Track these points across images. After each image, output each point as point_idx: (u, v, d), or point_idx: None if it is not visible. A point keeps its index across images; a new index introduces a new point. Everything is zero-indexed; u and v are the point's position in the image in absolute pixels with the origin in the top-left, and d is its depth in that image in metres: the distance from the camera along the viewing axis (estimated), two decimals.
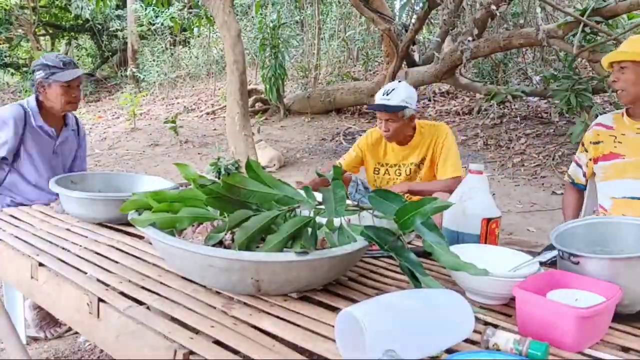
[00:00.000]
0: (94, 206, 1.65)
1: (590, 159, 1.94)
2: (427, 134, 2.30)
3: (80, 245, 1.46)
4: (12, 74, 13.28)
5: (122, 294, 1.14)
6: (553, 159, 5.12)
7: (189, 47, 12.36)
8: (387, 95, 2.20)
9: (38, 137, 2.22)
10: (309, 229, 1.13)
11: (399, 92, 2.19)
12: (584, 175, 2.00)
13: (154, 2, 7.26)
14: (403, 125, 2.23)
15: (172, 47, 11.52)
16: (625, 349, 0.99)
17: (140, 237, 1.55)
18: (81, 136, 2.45)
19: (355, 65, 10.09)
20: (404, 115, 2.19)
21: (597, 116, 2.12)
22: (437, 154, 2.27)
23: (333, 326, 0.90)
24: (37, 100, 2.22)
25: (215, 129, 7.67)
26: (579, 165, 2.01)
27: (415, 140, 2.31)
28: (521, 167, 5.12)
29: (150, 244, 1.43)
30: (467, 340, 0.95)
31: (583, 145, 1.98)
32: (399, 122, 2.21)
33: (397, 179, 2.34)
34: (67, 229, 1.64)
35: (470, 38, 5.27)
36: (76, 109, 2.29)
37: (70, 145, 2.37)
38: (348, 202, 1.17)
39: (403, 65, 6.68)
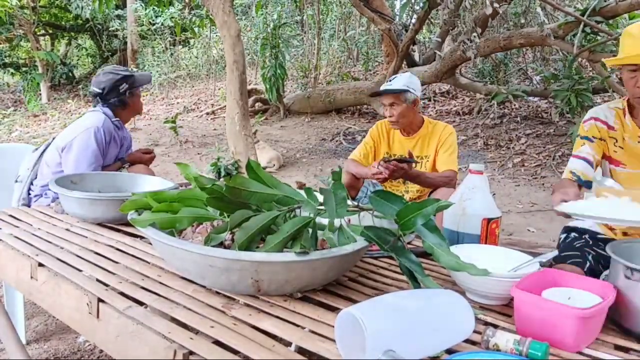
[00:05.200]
0: (93, 206, 1.65)
1: (598, 152, 1.64)
2: (435, 131, 2.36)
3: (80, 246, 1.46)
4: (12, 74, 13.27)
5: (122, 294, 1.14)
6: (553, 159, 5.12)
7: (189, 47, 12.36)
8: (390, 81, 2.35)
9: (114, 148, 2.33)
10: (309, 230, 1.13)
11: (401, 78, 2.34)
12: (592, 166, 1.65)
13: (155, 2, 7.26)
14: (407, 110, 2.31)
15: (172, 47, 11.52)
16: (625, 349, 0.99)
17: (138, 236, 1.55)
18: (128, 138, 2.54)
19: (355, 65, 10.08)
20: (407, 99, 2.29)
21: None
22: (440, 148, 2.33)
23: (333, 326, 0.90)
24: (113, 112, 2.35)
25: (215, 129, 7.66)
26: (586, 160, 1.64)
27: (421, 132, 2.37)
28: (521, 167, 5.12)
29: (150, 244, 1.43)
30: (467, 341, 0.95)
31: (581, 137, 1.68)
32: (401, 105, 2.29)
33: None
34: (67, 229, 1.64)
35: (474, 34, 5.26)
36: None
37: (124, 152, 2.48)
38: (348, 202, 1.17)
39: (403, 65, 6.67)
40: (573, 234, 1.65)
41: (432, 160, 2.33)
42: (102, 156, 2.24)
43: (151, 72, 2.30)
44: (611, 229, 1.66)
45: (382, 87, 2.36)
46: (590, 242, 1.56)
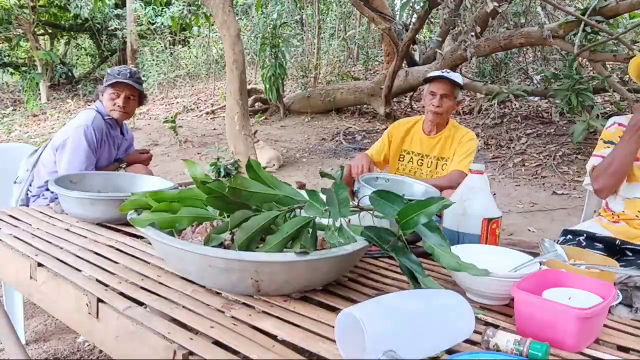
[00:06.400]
0: (93, 206, 1.65)
1: None
2: (456, 136, 2.34)
3: (80, 246, 1.46)
4: (12, 74, 13.27)
5: (122, 294, 1.13)
6: (554, 159, 5.11)
7: (189, 46, 12.35)
8: (448, 72, 2.31)
9: (108, 147, 2.33)
10: (309, 230, 1.13)
11: (456, 74, 2.32)
12: None
13: (153, 0, 7.25)
14: (451, 107, 2.32)
15: (171, 46, 11.51)
16: (625, 349, 0.99)
17: (138, 237, 1.54)
18: (129, 139, 2.54)
19: (355, 65, 10.08)
20: (456, 96, 2.31)
21: (599, 116, 2.05)
22: (456, 151, 2.32)
23: (333, 326, 0.90)
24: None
25: (214, 129, 7.66)
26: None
27: (444, 133, 2.36)
28: (522, 167, 5.12)
29: (150, 244, 1.43)
30: (467, 341, 0.94)
31: (605, 141, 1.82)
32: (451, 101, 2.29)
33: (419, 168, 2.39)
34: (67, 229, 1.63)
35: (472, 33, 5.26)
36: (122, 119, 2.41)
37: (122, 152, 2.48)
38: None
39: (403, 65, 6.67)
40: (569, 236, 1.66)
41: (450, 163, 2.33)
42: (94, 154, 2.22)
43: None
44: (615, 221, 1.68)
45: (439, 73, 2.29)
46: (584, 244, 1.56)
